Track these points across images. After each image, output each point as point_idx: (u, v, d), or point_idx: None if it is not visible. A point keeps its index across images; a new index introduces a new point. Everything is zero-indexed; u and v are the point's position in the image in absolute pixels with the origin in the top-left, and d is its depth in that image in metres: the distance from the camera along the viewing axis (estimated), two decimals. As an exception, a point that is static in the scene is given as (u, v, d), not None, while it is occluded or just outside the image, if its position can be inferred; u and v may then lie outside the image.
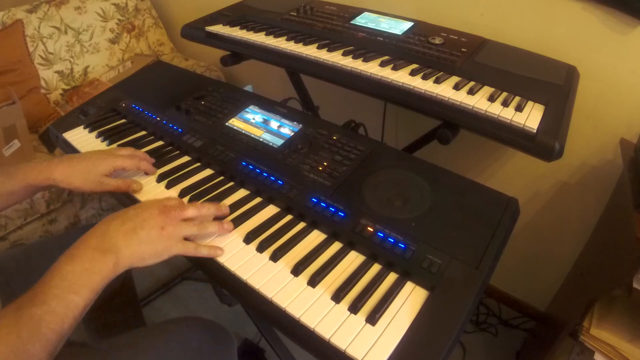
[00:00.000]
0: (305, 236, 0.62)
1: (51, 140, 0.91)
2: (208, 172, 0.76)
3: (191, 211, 0.59)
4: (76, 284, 0.48)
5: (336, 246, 0.60)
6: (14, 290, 0.75)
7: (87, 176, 0.67)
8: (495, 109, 0.72)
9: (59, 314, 0.46)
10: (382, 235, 0.59)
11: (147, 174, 0.75)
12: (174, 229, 0.56)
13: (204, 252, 0.58)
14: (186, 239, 0.58)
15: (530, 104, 0.75)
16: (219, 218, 0.64)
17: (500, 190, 0.66)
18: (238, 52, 1.02)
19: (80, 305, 0.48)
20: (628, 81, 0.92)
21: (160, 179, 0.73)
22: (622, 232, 0.77)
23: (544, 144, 0.67)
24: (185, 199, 0.69)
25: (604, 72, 0.94)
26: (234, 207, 0.67)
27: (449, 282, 0.53)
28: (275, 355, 1.04)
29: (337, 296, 0.52)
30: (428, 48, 0.91)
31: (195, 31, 1.06)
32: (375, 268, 0.57)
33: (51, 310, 0.45)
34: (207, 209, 0.62)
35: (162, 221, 0.56)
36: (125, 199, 0.72)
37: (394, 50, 0.91)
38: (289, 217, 0.65)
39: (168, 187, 0.72)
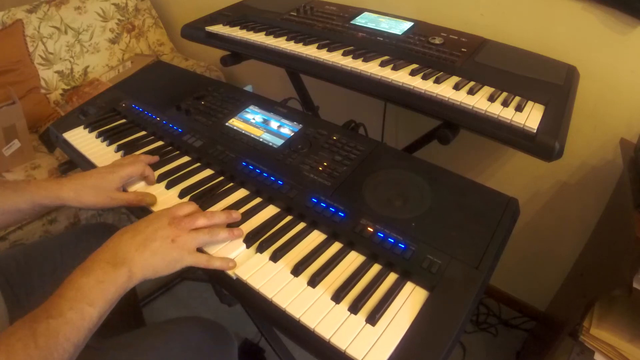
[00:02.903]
0: (305, 236, 0.62)
1: (51, 140, 0.91)
2: (208, 172, 0.76)
3: (202, 221, 0.59)
4: (91, 295, 0.48)
5: (336, 246, 0.60)
6: (14, 290, 0.75)
7: (97, 192, 0.67)
8: (495, 109, 0.72)
9: (76, 325, 0.46)
10: (382, 235, 0.59)
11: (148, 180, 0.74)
12: (185, 240, 0.56)
13: (216, 264, 0.57)
14: (198, 248, 0.58)
15: (530, 104, 0.75)
16: (229, 225, 0.63)
17: (500, 190, 0.66)
18: (238, 52, 1.02)
19: (95, 317, 0.48)
20: (628, 81, 0.92)
21: (160, 179, 0.73)
22: (622, 232, 0.77)
23: (544, 144, 0.67)
24: (186, 199, 0.69)
25: (604, 72, 0.94)
26: (233, 207, 0.67)
27: (449, 282, 0.53)
28: (275, 355, 1.04)
29: (337, 296, 0.52)
30: (428, 48, 0.91)
31: (195, 31, 1.06)
32: (375, 268, 0.57)
33: (67, 321, 0.46)
34: (218, 218, 0.61)
35: (173, 233, 0.56)
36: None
37: (394, 50, 0.91)
38: (289, 218, 0.65)
39: (168, 187, 0.72)
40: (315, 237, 0.62)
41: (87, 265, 0.51)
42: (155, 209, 0.68)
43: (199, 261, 0.56)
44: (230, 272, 0.57)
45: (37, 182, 0.67)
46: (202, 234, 0.58)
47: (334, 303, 0.52)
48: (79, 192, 0.66)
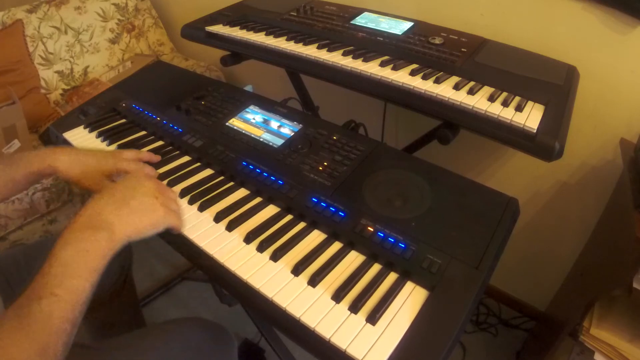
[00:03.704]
0: (305, 236, 0.62)
1: (51, 140, 0.91)
2: (208, 172, 0.76)
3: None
4: (76, 267, 0.47)
5: (336, 246, 0.60)
6: (14, 290, 0.75)
7: (88, 171, 0.67)
8: (495, 109, 0.72)
9: (67, 301, 0.45)
10: (382, 235, 0.59)
11: None
12: (167, 199, 0.56)
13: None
14: None
15: (530, 104, 0.75)
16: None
17: (500, 190, 0.66)
18: (238, 52, 1.02)
19: (85, 289, 0.46)
20: (628, 81, 0.92)
21: (160, 179, 0.73)
22: (622, 232, 0.77)
23: (544, 144, 0.67)
24: (185, 199, 0.68)
25: (604, 72, 0.94)
26: (233, 207, 0.67)
27: (449, 282, 0.53)
28: (275, 355, 1.04)
29: (337, 296, 0.52)
30: (428, 48, 0.91)
31: (195, 31, 1.06)
32: (375, 268, 0.57)
33: (59, 299, 0.44)
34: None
35: (155, 189, 0.55)
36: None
37: (394, 50, 0.91)
38: (289, 217, 0.65)
39: (168, 187, 0.72)
40: (315, 237, 0.62)
41: (66, 236, 0.49)
42: None
43: (178, 221, 0.58)
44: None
45: (33, 152, 0.67)
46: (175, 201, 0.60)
47: (334, 303, 0.52)
48: (71, 166, 0.66)
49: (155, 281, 1.53)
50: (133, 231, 0.52)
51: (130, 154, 0.74)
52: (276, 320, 0.53)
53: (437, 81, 0.78)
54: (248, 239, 0.61)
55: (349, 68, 0.83)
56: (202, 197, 0.68)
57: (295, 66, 0.94)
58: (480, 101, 0.74)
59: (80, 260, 0.47)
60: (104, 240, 0.49)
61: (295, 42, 0.93)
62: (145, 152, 0.77)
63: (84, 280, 0.46)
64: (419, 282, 0.55)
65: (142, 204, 0.53)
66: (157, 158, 0.77)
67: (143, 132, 0.88)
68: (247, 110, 0.87)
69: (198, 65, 1.80)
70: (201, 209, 0.66)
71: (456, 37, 0.95)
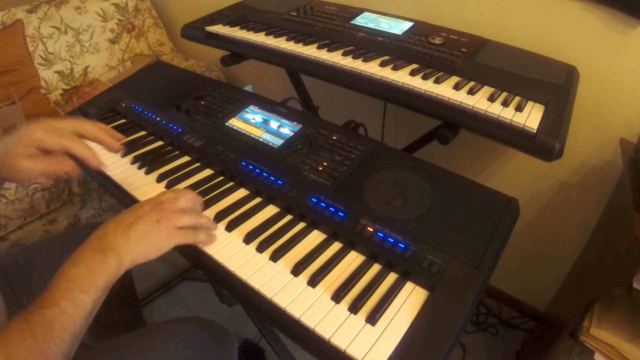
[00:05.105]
0: (305, 236, 0.62)
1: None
2: (208, 172, 0.76)
3: (184, 201, 0.60)
4: (82, 284, 0.49)
5: (336, 246, 0.60)
6: (14, 290, 0.75)
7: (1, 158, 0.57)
8: (495, 109, 0.72)
9: (70, 313, 0.47)
10: (382, 235, 0.59)
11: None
12: (170, 220, 0.57)
13: (201, 238, 0.59)
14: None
15: (530, 104, 0.75)
16: None
17: (500, 190, 0.66)
18: (238, 52, 1.02)
19: (88, 304, 0.49)
20: (628, 81, 0.92)
21: (160, 179, 0.73)
22: (622, 232, 0.77)
23: (544, 144, 0.67)
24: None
25: (604, 72, 0.94)
26: (233, 207, 0.67)
27: (449, 282, 0.53)
28: (275, 355, 1.04)
29: (337, 296, 0.52)
30: (428, 48, 0.91)
31: (195, 31, 1.06)
32: (375, 268, 0.57)
33: (62, 311, 0.47)
34: (199, 204, 0.64)
35: (157, 215, 0.57)
36: (125, 199, 0.72)
37: (394, 50, 0.91)
38: (289, 217, 0.65)
39: (168, 187, 0.72)
40: (315, 237, 0.62)
41: (76, 256, 0.52)
42: (141, 198, 0.70)
43: (187, 237, 0.58)
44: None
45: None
46: (187, 215, 0.59)
47: (334, 303, 0.52)
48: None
49: (155, 281, 1.53)
50: (139, 255, 0.54)
51: (91, 127, 0.64)
52: (276, 321, 0.53)
53: (437, 81, 0.78)
54: (248, 239, 0.61)
55: (349, 68, 0.83)
56: (202, 197, 0.68)
57: (295, 66, 0.94)
58: (480, 101, 0.74)
59: (86, 277, 0.50)
60: (112, 263, 0.52)
61: (295, 42, 0.93)
62: (102, 132, 0.65)
63: (88, 295, 0.49)
64: (418, 282, 0.55)
65: (146, 230, 0.55)
66: (119, 137, 0.67)
67: (143, 132, 0.88)
68: (247, 110, 0.87)
69: (198, 65, 1.80)
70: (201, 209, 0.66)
71: (456, 37, 0.95)
